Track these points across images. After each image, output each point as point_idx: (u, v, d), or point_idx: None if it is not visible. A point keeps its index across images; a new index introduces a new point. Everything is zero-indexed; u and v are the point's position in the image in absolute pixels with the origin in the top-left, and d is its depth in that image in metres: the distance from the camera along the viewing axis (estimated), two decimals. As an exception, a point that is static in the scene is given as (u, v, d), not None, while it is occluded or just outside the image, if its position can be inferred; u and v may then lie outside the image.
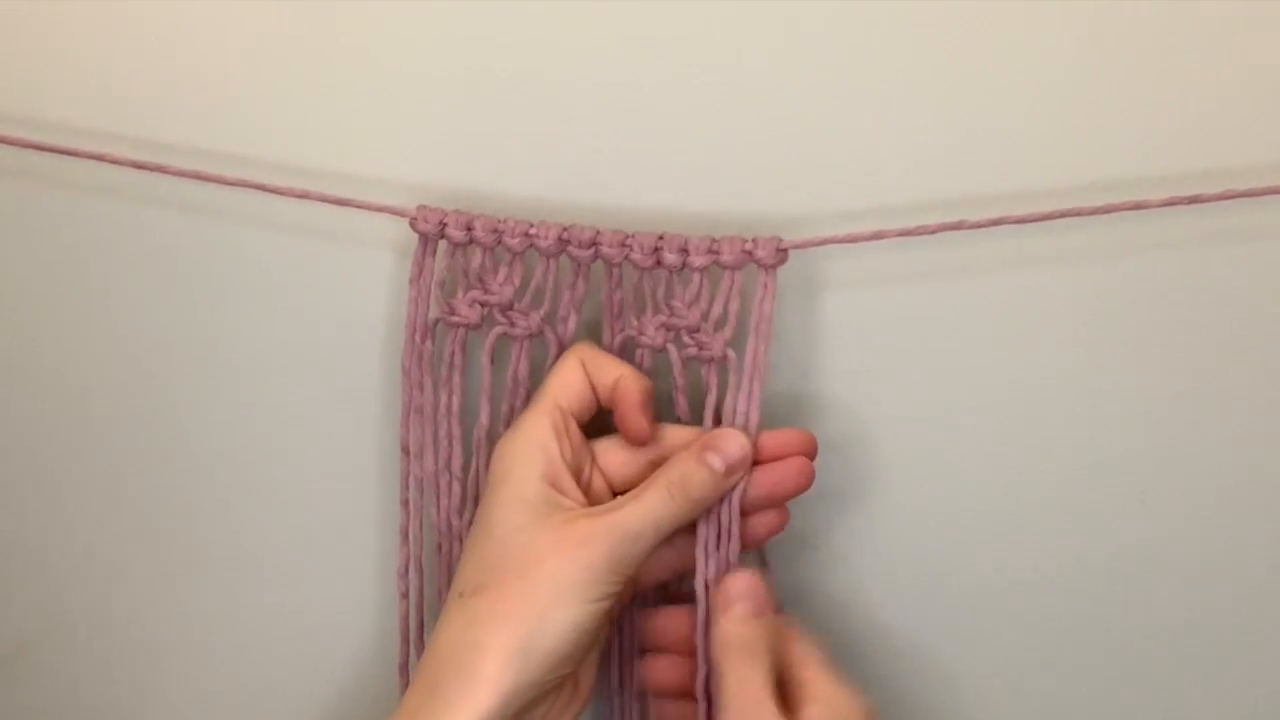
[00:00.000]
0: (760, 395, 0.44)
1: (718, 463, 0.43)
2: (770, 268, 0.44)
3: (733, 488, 0.44)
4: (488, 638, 0.41)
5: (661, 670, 0.46)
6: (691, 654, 0.45)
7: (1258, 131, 0.42)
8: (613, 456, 0.46)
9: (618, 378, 0.45)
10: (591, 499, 0.45)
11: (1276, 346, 0.45)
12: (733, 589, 0.43)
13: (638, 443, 0.45)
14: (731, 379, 0.45)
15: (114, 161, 0.48)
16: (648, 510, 0.42)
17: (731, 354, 0.45)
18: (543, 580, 0.42)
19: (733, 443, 0.44)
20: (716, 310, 0.45)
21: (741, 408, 0.44)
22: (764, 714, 0.40)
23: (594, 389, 0.45)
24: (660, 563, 0.46)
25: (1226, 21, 0.41)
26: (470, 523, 0.46)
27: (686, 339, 0.45)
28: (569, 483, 0.44)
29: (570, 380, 0.45)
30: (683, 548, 0.46)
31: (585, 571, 0.41)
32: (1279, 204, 0.42)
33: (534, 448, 0.44)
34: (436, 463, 0.48)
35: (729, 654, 0.42)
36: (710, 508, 0.44)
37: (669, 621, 0.46)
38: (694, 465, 0.43)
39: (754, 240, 0.44)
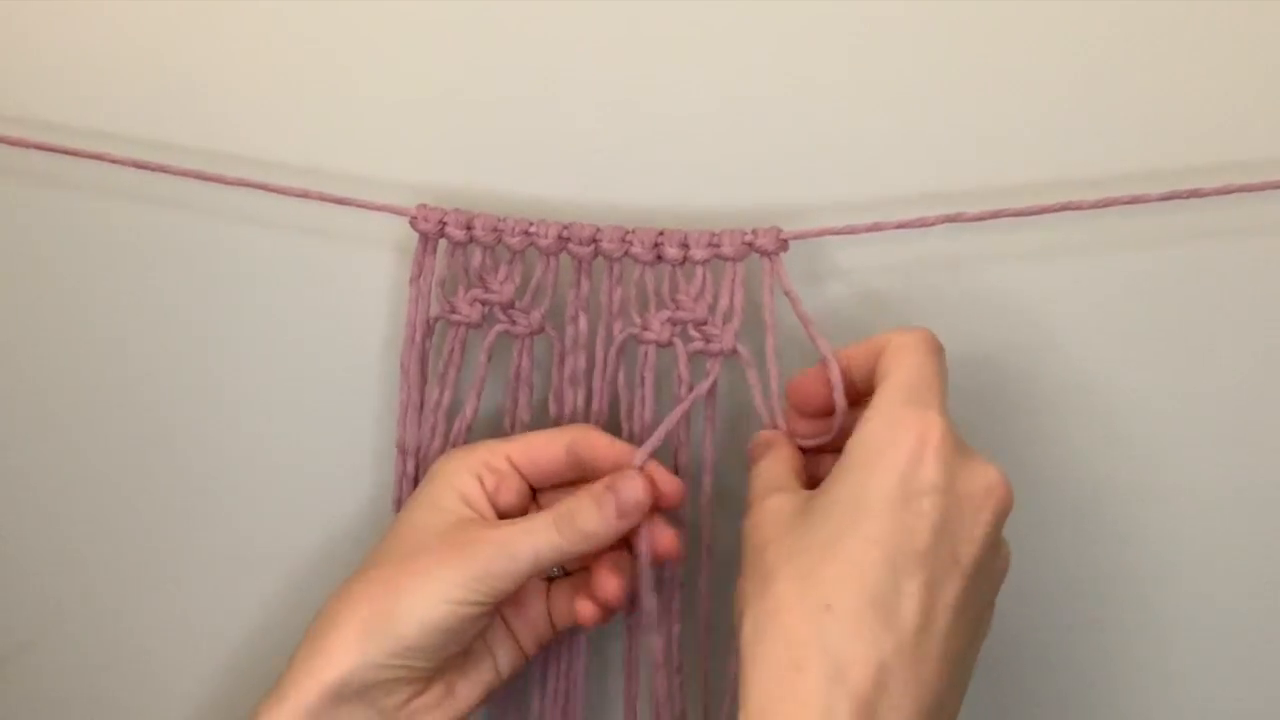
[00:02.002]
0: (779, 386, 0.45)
1: (609, 507, 0.43)
2: (773, 254, 0.44)
3: (625, 530, 0.43)
4: (346, 612, 0.43)
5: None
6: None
7: (1259, 126, 0.42)
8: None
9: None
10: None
11: (1274, 342, 0.45)
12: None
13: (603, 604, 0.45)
14: (749, 375, 0.45)
15: (113, 161, 0.48)
16: (530, 536, 0.43)
17: (742, 348, 0.45)
18: (412, 570, 0.43)
19: (629, 487, 0.43)
20: (724, 303, 0.45)
21: (765, 403, 0.45)
22: (923, 395, 0.39)
23: (568, 467, 0.46)
24: (554, 612, 0.47)
25: (1227, 15, 0.41)
26: None
27: (693, 332, 0.45)
28: (483, 505, 0.45)
29: (544, 447, 0.46)
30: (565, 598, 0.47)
31: (452, 572, 0.42)
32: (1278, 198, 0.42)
33: (459, 471, 0.45)
34: (429, 460, 0.48)
35: (898, 341, 0.41)
36: (602, 546, 0.43)
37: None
38: (588, 504, 0.43)
39: (754, 231, 0.44)
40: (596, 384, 0.47)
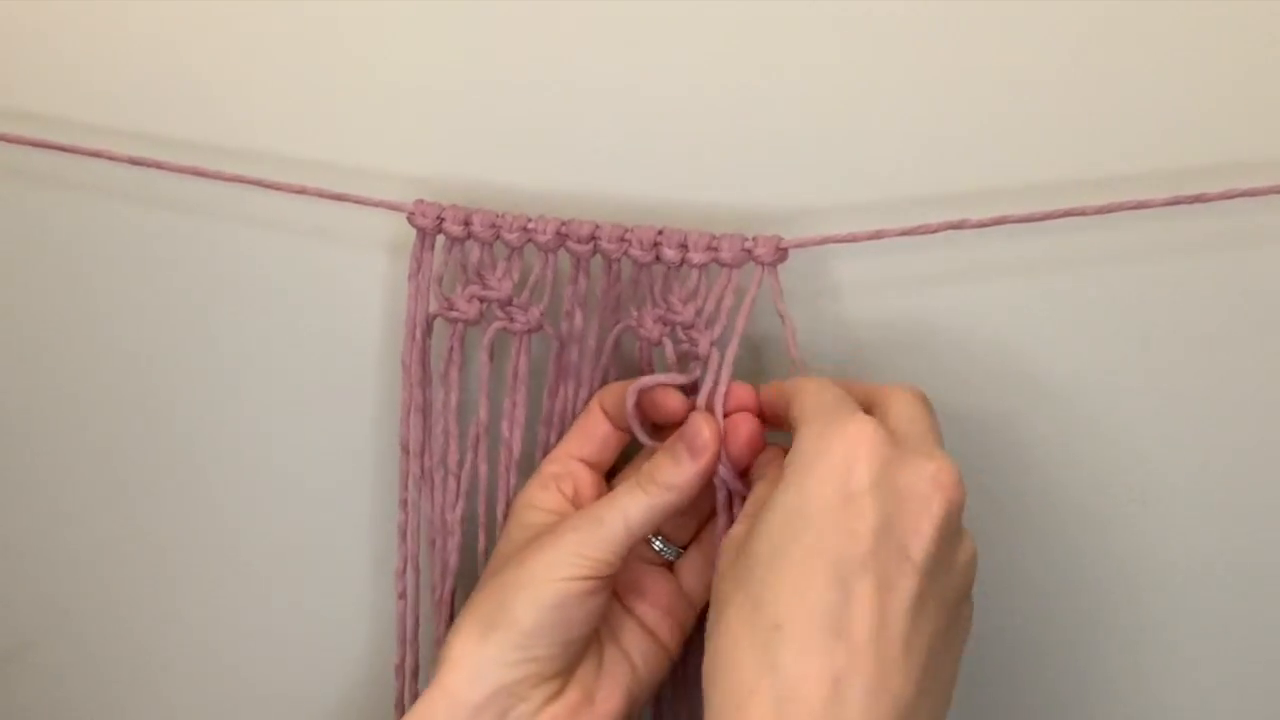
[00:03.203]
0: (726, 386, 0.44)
1: (681, 451, 0.43)
2: (769, 265, 0.44)
3: (707, 471, 0.43)
4: (465, 620, 0.43)
5: None
6: None
7: (1264, 128, 0.41)
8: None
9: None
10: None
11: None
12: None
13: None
14: (707, 374, 0.44)
15: (109, 157, 0.48)
16: (615, 500, 0.43)
17: (715, 352, 0.44)
18: (515, 566, 0.43)
19: (694, 426, 0.43)
20: (709, 308, 0.44)
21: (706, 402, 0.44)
22: (845, 407, 0.40)
23: (615, 434, 0.47)
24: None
25: (1232, 17, 0.41)
26: (463, 519, 0.47)
27: (681, 334, 0.45)
28: (565, 508, 0.45)
29: (582, 424, 0.47)
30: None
31: (552, 553, 0.42)
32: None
33: (532, 488, 0.46)
34: (432, 459, 0.48)
35: (799, 382, 0.42)
36: (689, 494, 0.43)
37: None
38: (661, 455, 0.43)
39: (754, 239, 0.44)
40: (590, 376, 0.47)
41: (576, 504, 0.46)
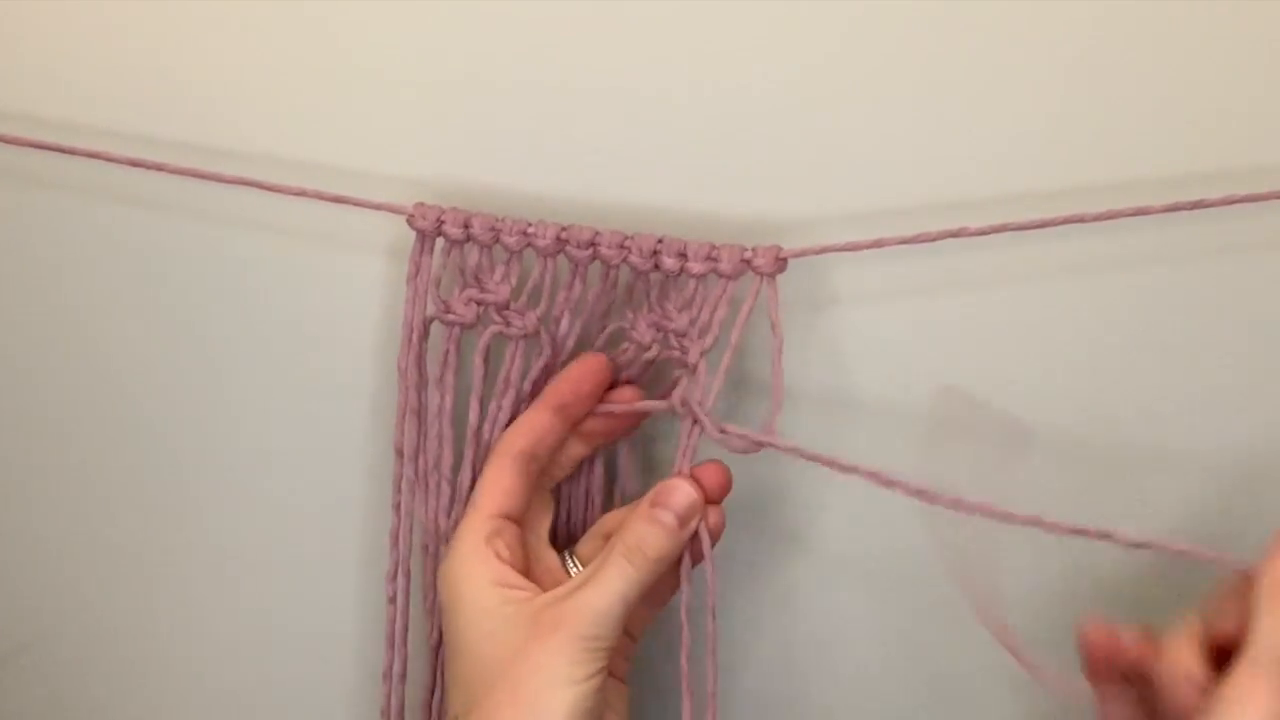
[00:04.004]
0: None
1: (668, 518, 0.43)
2: (769, 275, 0.44)
3: (690, 537, 0.43)
4: None
5: None
6: None
7: (1264, 134, 0.42)
8: (587, 548, 0.47)
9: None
10: (545, 580, 0.45)
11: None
12: None
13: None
14: (691, 391, 0.44)
15: (108, 159, 0.48)
16: (611, 584, 0.42)
17: (703, 364, 0.44)
18: (528, 674, 0.41)
19: (678, 493, 0.43)
20: (704, 317, 0.44)
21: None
22: None
23: (533, 473, 0.46)
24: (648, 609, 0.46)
25: (1232, 22, 0.41)
26: (456, 524, 0.46)
27: (673, 341, 0.45)
28: (517, 578, 0.44)
29: (494, 480, 0.45)
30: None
31: (564, 655, 0.41)
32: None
33: (473, 562, 0.44)
34: (426, 463, 0.48)
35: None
36: (674, 561, 0.43)
37: None
38: (646, 526, 0.43)
39: (753, 249, 0.44)
40: None
41: (515, 560, 0.44)
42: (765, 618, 0.51)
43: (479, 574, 0.44)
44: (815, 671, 0.51)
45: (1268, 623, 0.35)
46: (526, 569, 0.45)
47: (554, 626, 0.41)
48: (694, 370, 0.44)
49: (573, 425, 0.46)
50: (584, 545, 0.47)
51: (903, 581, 0.49)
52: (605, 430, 0.47)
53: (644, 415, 0.47)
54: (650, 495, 0.43)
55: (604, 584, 0.42)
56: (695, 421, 0.44)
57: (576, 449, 0.47)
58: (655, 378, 0.47)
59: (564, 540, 0.49)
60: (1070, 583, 0.48)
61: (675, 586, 0.45)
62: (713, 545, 0.44)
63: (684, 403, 0.44)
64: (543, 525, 0.47)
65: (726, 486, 0.44)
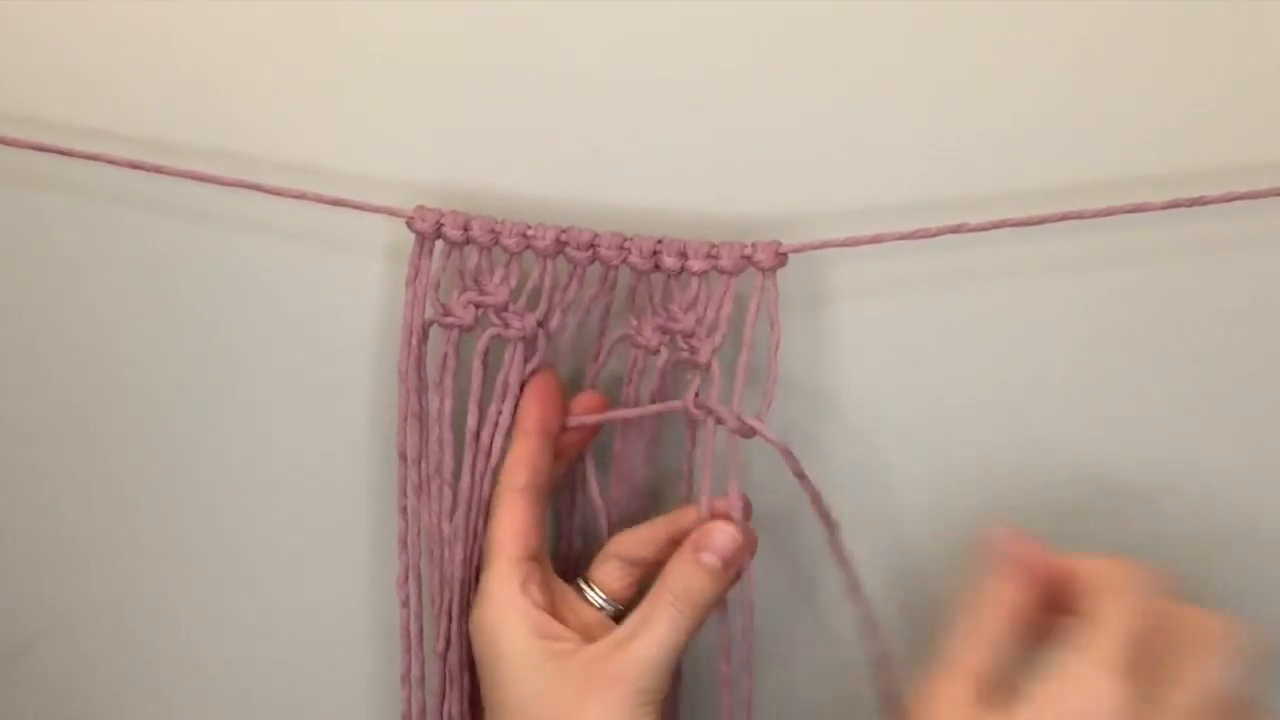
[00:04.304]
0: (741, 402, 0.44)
1: (713, 561, 0.42)
2: (769, 270, 0.44)
3: (736, 578, 0.43)
4: None
5: None
6: None
7: (1263, 131, 0.42)
8: (602, 573, 0.47)
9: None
10: (585, 628, 0.45)
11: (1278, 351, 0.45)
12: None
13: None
14: (711, 393, 0.44)
15: (108, 161, 0.48)
16: (664, 637, 0.42)
17: (715, 362, 0.44)
18: None
19: (722, 535, 0.43)
20: (710, 315, 0.44)
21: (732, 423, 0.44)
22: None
23: (542, 504, 0.46)
24: None
25: (1231, 19, 0.41)
26: (458, 528, 0.46)
27: (681, 343, 0.45)
28: (558, 627, 0.44)
29: (511, 520, 0.45)
30: None
31: (623, 707, 0.41)
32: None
33: (510, 612, 0.43)
34: (428, 468, 0.48)
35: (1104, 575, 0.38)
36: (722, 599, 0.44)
37: None
38: (693, 572, 0.42)
39: (753, 245, 0.44)
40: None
41: (549, 603, 0.44)
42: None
43: (519, 627, 0.43)
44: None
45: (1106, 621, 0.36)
46: (554, 608, 0.45)
47: (610, 683, 0.41)
48: (707, 369, 0.44)
49: (554, 446, 0.46)
50: (598, 570, 0.47)
51: (915, 590, 0.49)
52: (579, 442, 0.47)
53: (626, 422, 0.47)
54: (693, 538, 0.43)
55: (655, 635, 0.42)
56: (719, 422, 0.44)
57: (555, 467, 0.47)
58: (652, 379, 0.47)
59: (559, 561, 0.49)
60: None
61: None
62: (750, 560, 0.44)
63: (699, 404, 0.44)
64: (546, 553, 0.47)
65: (750, 512, 0.44)
